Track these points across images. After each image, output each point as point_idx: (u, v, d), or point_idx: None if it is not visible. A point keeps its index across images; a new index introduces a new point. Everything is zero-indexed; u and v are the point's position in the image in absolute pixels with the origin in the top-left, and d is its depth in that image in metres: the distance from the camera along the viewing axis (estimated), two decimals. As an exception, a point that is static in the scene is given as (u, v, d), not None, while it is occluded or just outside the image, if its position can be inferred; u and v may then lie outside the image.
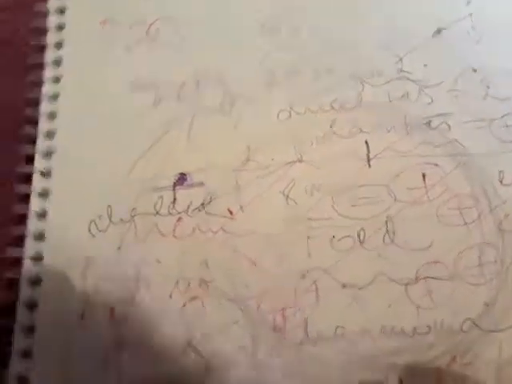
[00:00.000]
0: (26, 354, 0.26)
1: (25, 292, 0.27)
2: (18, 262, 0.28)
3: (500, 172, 0.28)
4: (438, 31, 0.32)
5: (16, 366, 0.26)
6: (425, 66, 0.31)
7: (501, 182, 0.28)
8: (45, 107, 0.30)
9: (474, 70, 0.30)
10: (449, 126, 0.29)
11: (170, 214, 0.28)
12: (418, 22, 0.32)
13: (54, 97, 0.31)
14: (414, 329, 0.26)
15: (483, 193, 0.28)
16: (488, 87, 0.30)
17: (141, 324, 0.26)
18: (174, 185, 0.29)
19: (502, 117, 0.29)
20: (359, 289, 0.26)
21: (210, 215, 0.28)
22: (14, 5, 0.33)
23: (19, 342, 0.27)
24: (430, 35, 0.31)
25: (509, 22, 0.31)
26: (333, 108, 0.30)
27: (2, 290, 0.27)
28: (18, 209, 0.29)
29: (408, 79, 0.30)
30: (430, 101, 0.30)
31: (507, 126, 0.29)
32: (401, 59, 0.31)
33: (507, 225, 0.27)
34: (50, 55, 0.32)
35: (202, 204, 0.28)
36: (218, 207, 0.28)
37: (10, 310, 0.27)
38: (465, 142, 0.29)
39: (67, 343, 0.26)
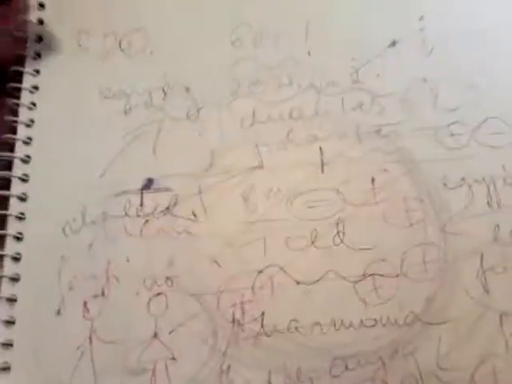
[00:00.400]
0: (7, 346, 0.29)
1: (5, 288, 0.30)
2: (-1, 260, 0.30)
3: (444, 177, 0.31)
4: (393, 43, 0.34)
5: (-2, 355, 0.28)
6: (378, 76, 0.33)
7: (445, 185, 0.31)
8: (22, 115, 0.32)
9: (424, 80, 0.33)
10: (398, 134, 0.32)
11: (138, 216, 0.30)
12: (374, 35, 0.34)
13: (32, 104, 0.33)
14: (361, 322, 0.28)
15: (428, 196, 0.30)
16: (436, 97, 0.32)
17: (111, 318, 0.29)
18: (142, 189, 0.31)
19: (448, 125, 0.32)
20: (311, 285, 0.29)
21: (175, 217, 0.30)
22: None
23: (2, 333, 0.29)
24: (385, 47, 0.34)
25: (458, 36, 0.33)
26: (291, 117, 0.32)
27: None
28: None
29: (362, 89, 0.33)
30: (381, 110, 0.32)
31: (452, 135, 0.31)
32: (356, 70, 0.33)
33: (450, 227, 0.30)
34: (28, 65, 0.33)
35: (168, 207, 0.30)
36: (182, 210, 0.30)
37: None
38: (413, 149, 0.31)
39: (44, 336, 0.29)
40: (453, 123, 0.32)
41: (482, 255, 0.29)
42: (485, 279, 0.29)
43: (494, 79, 0.32)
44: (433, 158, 0.31)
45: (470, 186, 0.30)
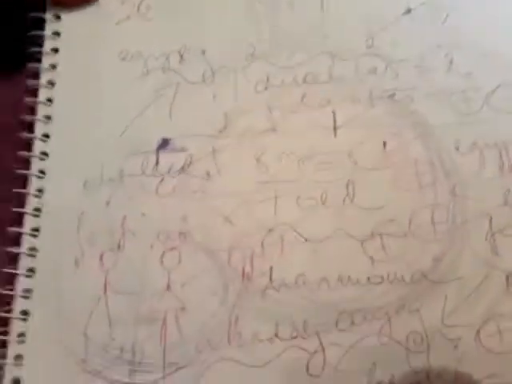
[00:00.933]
0: (28, 294, 0.30)
1: (27, 241, 0.31)
2: (20, 216, 0.31)
3: (456, 141, 0.31)
4: (408, 11, 0.34)
5: (19, 304, 0.30)
6: (392, 42, 0.33)
7: (457, 150, 0.31)
8: (43, 77, 0.34)
9: (439, 46, 0.33)
10: (411, 99, 0.32)
11: (154, 175, 0.32)
12: (390, 2, 0.34)
13: (52, 66, 0.34)
14: (368, 279, 0.29)
15: (439, 160, 0.31)
16: (451, 63, 0.33)
17: (126, 270, 0.30)
18: (158, 149, 0.32)
19: (462, 91, 0.32)
20: (319, 242, 0.30)
21: (189, 176, 0.31)
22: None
23: (21, 283, 0.30)
24: (400, 14, 0.34)
25: (472, 3, 0.34)
26: (305, 81, 0.33)
27: (8, 241, 0.31)
28: (19, 169, 0.32)
29: (376, 55, 0.33)
30: (395, 75, 0.33)
31: (466, 100, 0.32)
32: (371, 36, 0.34)
33: (459, 189, 0.30)
34: (48, 27, 0.35)
35: (183, 167, 0.32)
36: (197, 170, 0.31)
37: (14, 257, 0.31)
38: (425, 114, 0.32)
39: (63, 285, 0.30)
40: (466, 89, 0.32)
41: (492, 218, 0.29)
42: (494, 241, 0.29)
43: (507, 46, 0.32)
44: (445, 122, 0.31)
45: (481, 151, 0.31)
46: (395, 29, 0.34)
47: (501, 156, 0.30)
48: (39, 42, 0.34)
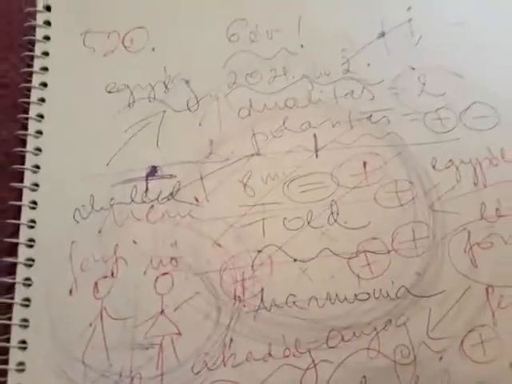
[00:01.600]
0: (25, 325, 0.30)
1: (21, 272, 0.31)
2: (14, 247, 0.32)
3: (433, 159, 0.32)
4: (382, 34, 0.35)
5: (16, 334, 0.30)
6: (368, 65, 0.34)
7: (434, 167, 0.32)
8: (32, 110, 0.34)
9: (413, 69, 0.34)
10: (388, 120, 0.33)
11: (144, 201, 0.32)
12: (364, 26, 0.35)
13: (41, 100, 0.34)
14: (355, 296, 0.30)
15: (418, 178, 0.32)
16: (424, 84, 0.34)
17: (120, 296, 0.30)
18: (147, 176, 0.32)
19: (436, 110, 0.33)
20: (307, 262, 0.30)
21: (178, 202, 0.32)
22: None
23: (18, 313, 0.30)
24: (374, 38, 0.35)
25: (444, 26, 0.35)
26: (286, 106, 0.34)
27: (3, 272, 0.31)
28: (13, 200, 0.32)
29: (353, 78, 0.34)
30: (371, 97, 0.33)
31: (440, 119, 0.33)
32: (347, 60, 0.34)
33: (438, 206, 0.31)
34: (36, 62, 0.35)
35: (171, 193, 0.32)
36: (185, 195, 0.32)
37: (9, 287, 0.31)
38: (402, 134, 0.33)
39: (59, 314, 0.30)
40: (440, 108, 0.33)
41: (470, 232, 0.30)
42: (472, 254, 0.30)
43: (479, 67, 0.33)
44: (421, 141, 0.32)
45: (457, 168, 0.32)
46: (370, 52, 0.34)
47: (475, 172, 0.31)
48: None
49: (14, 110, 0.34)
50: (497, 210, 0.30)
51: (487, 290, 0.29)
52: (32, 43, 0.35)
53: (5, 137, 0.34)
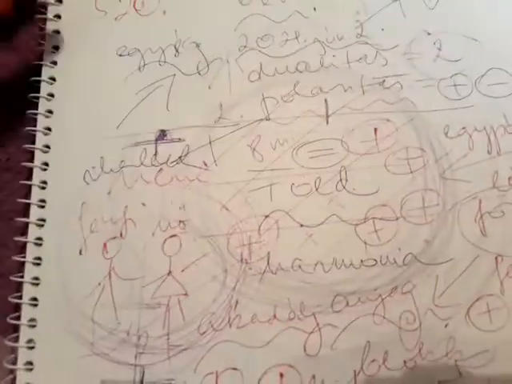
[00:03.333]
0: (36, 283, 0.30)
1: (32, 232, 0.30)
2: (27, 207, 0.31)
3: (446, 126, 0.30)
4: (397, -2, 0.33)
5: (27, 292, 0.29)
6: (382, 30, 0.32)
7: (446, 135, 0.30)
8: (45, 74, 0.33)
9: (428, 34, 0.32)
10: (401, 86, 0.31)
11: (153, 165, 0.31)
12: (379, -11, 0.33)
13: (53, 63, 0.33)
14: (362, 261, 0.28)
15: (429, 145, 0.30)
16: (439, 49, 0.31)
17: (129, 257, 0.29)
18: (156, 140, 0.31)
19: (451, 76, 0.31)
20: (314, 227, 0.29)
21: (187, 166, 0.30)
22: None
23: (29, 271, 0.30)
24: (390, 1, 0.32)
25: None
26: (297, 70, 0.32)
27: (16, 232, 0.30)
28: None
29: (366, 43, 0.32)
30: (385, 63, 0.31)
31: (455, 85, 0.31)
32: (361, 24, 0.32)
33: (449, 174, 0.29)
34: (49, 27, 0.33)
35: (180, 157, 0.31)
36: (194, 160, 0.30)
37: (22, 247, 0.30)
38: (415, 100, 0.31)
39: (69, 273, 0.30)
40: (455, 74, 0.31)
41: (481, 200, 0.28)
42: (482, 223, 0.28)
43: (496, 33, 0.31)
44: (435, 108, 0.30)
45: (470, 135, 0.30)
46: (384, 16, 0.32)
47: (489, 140, 0.29)
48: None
49: (25, 73, 0.32)
50: (509, 178, 0.29)
51: (496, 259, 0.28)
52: (45, 6, 0.34)
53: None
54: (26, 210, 0.31)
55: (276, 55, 0.32)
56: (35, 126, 0.32)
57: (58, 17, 0.34)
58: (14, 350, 0.29)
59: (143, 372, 0.27)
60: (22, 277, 0.30)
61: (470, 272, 0.28)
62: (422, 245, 0.28)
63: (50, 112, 0.32)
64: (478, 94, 0.30)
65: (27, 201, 0.30)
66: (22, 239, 0.30)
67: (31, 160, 0.31)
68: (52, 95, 0.32)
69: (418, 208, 0.29)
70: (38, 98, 0.32)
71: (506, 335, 0.27)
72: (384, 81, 0.31)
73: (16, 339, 0.29)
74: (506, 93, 0.30)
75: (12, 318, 0.29)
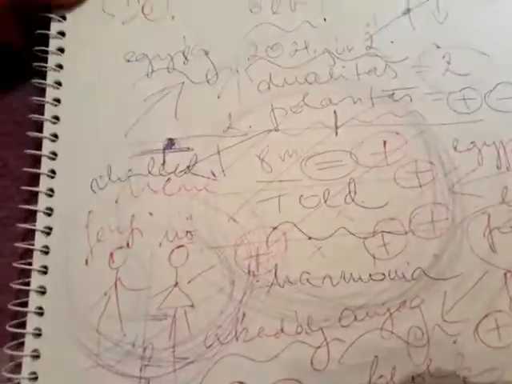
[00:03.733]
0: (42, 291, 0.29)
1: (39, 240, 0.30)
2: (33, 215, 0.30)
3: (455, 140, 0.30)
4: (407, 11, 0.32)
5: (33, 301, 0.29)
6: (392, 42, 0.32)
7: (455, 149, 0.29)
8: (50, 77, 0.32)
9: (438, 47, 0.31)
10: (410, 98, 0.30)
11: (161, 174, 0.30)
12: (389, 1, 0.32)
13: (58, 66, 0.32)
14: (370, 276, 0.28)
15: (438, 159, 0.29)
16: (449, 63, 0.31)
17: (135, 267, 0.29)
18: (164, 149, 0.30)
19: (460, 90, 0.30)
20: (322, 240, 0.28)
21: (195, 176, 0.30)
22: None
23: (36, 280, 0.29)
24: (399, 14, 0.32)
25: (471, 5, 0.32)
26: (307, 81, 0.31)
27: (13, 238, 0.30)
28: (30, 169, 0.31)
29: (376, 55, 0.31)
30: (394, 75, 0.31)
31: (464, 99, 0.30)
32: (370, 36, 0.32)
33: (458, 188, 0.29)
34: (53, 27, 0.33)
35: (188, 166, 0.30)
36: (202, 169, 0.30)
37: (29, 251, 0.29)
38: (424, 113, 0.30)
39: (75, 283, 0.29)
40: (465, 88, 0.30)
41: (490, 215, 0.28)
42: (491, 238, 0.28)
43: (506, 47, 0.31)
44: (444, 121, 0.30)
45: (479, 150, 0.29)
46: (394, 29, 0.32)
47: (498, 154, 0.29)
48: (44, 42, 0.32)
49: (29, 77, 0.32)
50: (519, 194, 0.28)
51: (505, 275, 0.27)
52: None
53: (18, 106, 0.31)
54: (26, 217, 0.30)
55: (285, 65, 0.31)
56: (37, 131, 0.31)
57: (64, 18, 0.33)
58: (12, 359, 0.28)
59: (148, 384, 0.27)
60: (22, 284, 0.29)
61: (479, 287, 0.27)
62: (430, 259, 0.28)
63: (57, 118, 0.31)
64: (487, 108, 0.30)
65: (34, 208, 0.30)
66: (23, 245, 0.29)
67: (30, 167, 0.30)
68: (58, 100, 0.32)
69: (427, 222, 0.28)
70: (43, 102, 0.31)
71: (514, 352, 0.26)
72: (393, 93, 0.31)
73: (15, 348, 0.28)
74: (516, 107, 0.30)
75: (11, 326, 0.28)
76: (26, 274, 0.29)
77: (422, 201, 0.29)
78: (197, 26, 0.33)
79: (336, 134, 0.30)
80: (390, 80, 0.31)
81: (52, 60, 0.32)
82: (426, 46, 0.31)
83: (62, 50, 0.33)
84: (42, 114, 0.31)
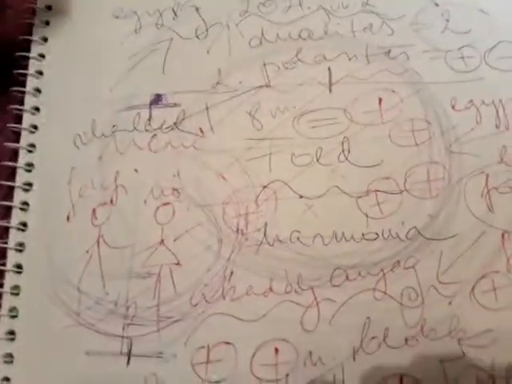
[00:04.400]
0: (20, 249, 0.28)
1: (18, 196, 0.29)
2: (13, 170, 0.29)
3: (452, 99, 0.29)
4: (405, -33, 0.31)
5: (12, 257, 0.28)
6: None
7: (453, 107, 0.28)
8: (36, 33, 0.31)
9: (436, 4, 0.30)
10: (407, 56, 0.29)
11: (146, 130, 0.29)
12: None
13: (46, 23, 0.31)
14: (363, 235, 0.27)
15: (436, 117, 0.28)
16: (447, 21, 0.30)
17: (119, 225, 0.28)
18: (150, 104, 0.29)
19: (459, 48, 0.29)
20: (314, 199, 0.27)
21: (182, 132, 0.29)
22: None
23: (14, 237, 0.28)
24: (397, -29, 0.31)
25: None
26: (300, 37, 0.30)
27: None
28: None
29: (372, 12, 0.30)
30: (391, 32, 0.30)
31: (463, 57, 0.29)
32: (367, -7, 0.31)
33: (456, 147, 0.28)
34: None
35: (175, 123, 0.29)
36: (189, 126, 0.29)
37: (7, 208, 0.28)
38: (421, 71, 0.29)
39: (55, 239, 0.28)
40: (464, 46, 0.29)
41: (488, 175, 0.27)
42: (489, 198, 0.27)
43: (506, 5, 0.30)
44: (442, 80, 0.29)
45: (477, 109, 0.28)
46: (392, -14, 0.31)
47: (497, 114, 0.28)
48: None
49: (17, 32, 0.31)
50: (519, 153, 0.27)
51: (503, 235, 0.26)
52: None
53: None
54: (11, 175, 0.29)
55: (278, 21, 0.30)
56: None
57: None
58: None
59: (131, 344, 0.26)
60: (5, 243, 0.28)
61: (476, 248, 0.26)
62: (426, 219, 0.27)
63: (40, 73, 0.30)
64: (486, 67, 0.29)
65: (13, 164, 0.29)
66: (5, 203, 0.28)
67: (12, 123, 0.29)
68: (43, 56, 0.31)
69: (423, 181, 0.27)
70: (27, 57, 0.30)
71: (510, 314, 0.25)
72: (390, 51, 0.30)
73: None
74: (516, 66, 0.29)
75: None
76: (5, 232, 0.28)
77: (418, 160, 0.28)
78: (187, -18, 0.31)
79: (330, 90, 0.29)
80: (386, 37, 0.30)
81: (40, 16, 0.31)
82: (425, 3, 0.30)
83: (49, 8, 0.32)
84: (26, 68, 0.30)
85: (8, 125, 0.29)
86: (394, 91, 0.29)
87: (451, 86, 0.29)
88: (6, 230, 0.28)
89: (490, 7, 0.30)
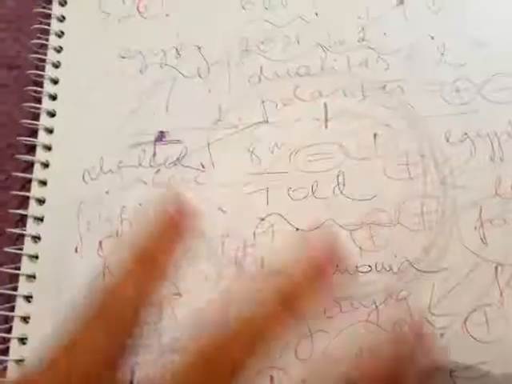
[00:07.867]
0: (31, 278, 0.30)
1: (30, 227, 0.31)
2: (26, 202, 0.32)
3: (447, 131, 0.30)
4: (401, 2, 0.33)
5: (23, 287, 0.30)
6: (384, 34, 0.32)
7: (447, 140, 0.30)
8: (48, 73, 0.34)
9: (431, 38, 0.31)
10: (402, 90, 0.31)
11: (151, 166, 0.31)
12: (383, -6, 0.33)
13: (57, 64, 0.34)
14: (356, 267, 0.28)
15: (430, 150, 0.30)
16: (442, 54, 0.31)
17: (124, 255, 0.30)
18: (155, 141, 0.31)
19: (454, 81, 0.31)
20: (310, 232, 0.29)
21: (184, 168, 0.31)
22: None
23: (26, 267, 0.30)
24: (393, 5, 0.33)
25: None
26: (298, 74, 0.32)
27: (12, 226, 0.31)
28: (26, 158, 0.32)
29: (368, 47, 0.32)
30: (386, 67, 0.31)
31: (458, 91, 0.30)
32: (363, 29, 0.32)
33: (450, 179, 0.29)
34: (53, 26, 0.35)
35: (178, 158, 0.31)
36: (191, 161, 0.31)
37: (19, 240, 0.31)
38: (416, 105, 0.30)
39: (64, 270, 0.30)
40: (459, 79, 0.30)
41: (481, 208, 0.28)
42: (483, 231, 0.28)
43: (501, 37, 0.31)
44: (436, 113, 0.30)
45: (472, 141, 0.29)
46: (388, 20, 0.32)
47: (492, 146, 0.29)
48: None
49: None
50: (513, 186, 0.28)
51: (496, 268, 0.27)
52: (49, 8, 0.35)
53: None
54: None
55: (277, 59, 0.32)
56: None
57: (63, 17, 0.35)
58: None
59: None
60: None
61: (469, 281, 0.27)
62: (419, 252, 0.28)
63: (53, 112, 0.33)
64: (481, 100, 0.30)
65: (26, 193, 0.31)
66: (20, 231, 0.30)
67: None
68: (54, 97, 0.33)
69: (417, 214, 0.28)
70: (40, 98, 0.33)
71: (503, 347, 0.26)
72: (385, 85, 0.31)
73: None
74: (511, 98, 0.30)
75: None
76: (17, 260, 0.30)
77: (412, 192, 0.29)
78: (190, 23, 0.34)
79: (326, 126, 0.31)
80: (381, 72, 0.31)
81: (50, 57, 0.34)
82: (420, 37, 0.32)
83: (60, 49, 0.34)
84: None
85: (17, 156, 0.32)
86: (388, 125, 0.30)
87: (446, 118, 0.30)
88: (19, 259, 0.30)
89: (486, 40, 0.31)
